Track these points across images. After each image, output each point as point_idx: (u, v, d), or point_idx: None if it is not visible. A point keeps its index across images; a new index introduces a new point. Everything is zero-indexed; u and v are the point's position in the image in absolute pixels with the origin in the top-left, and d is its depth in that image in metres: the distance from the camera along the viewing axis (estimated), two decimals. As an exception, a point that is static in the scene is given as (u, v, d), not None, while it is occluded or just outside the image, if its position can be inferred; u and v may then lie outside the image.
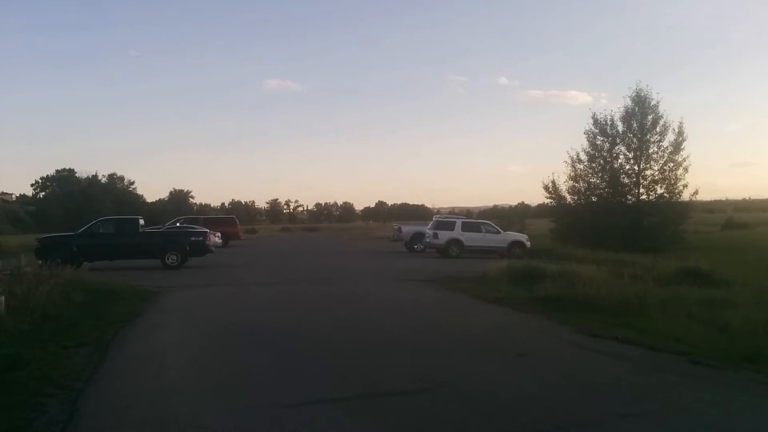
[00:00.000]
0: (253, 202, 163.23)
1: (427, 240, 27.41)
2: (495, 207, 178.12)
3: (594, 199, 31.76)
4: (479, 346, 7.52)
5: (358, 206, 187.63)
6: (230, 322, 9.09)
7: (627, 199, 31.10)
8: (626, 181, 31.30)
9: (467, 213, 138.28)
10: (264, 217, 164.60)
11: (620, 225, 29.22)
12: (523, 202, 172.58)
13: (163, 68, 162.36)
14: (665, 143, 30.58)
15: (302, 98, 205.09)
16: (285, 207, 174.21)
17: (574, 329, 8.77)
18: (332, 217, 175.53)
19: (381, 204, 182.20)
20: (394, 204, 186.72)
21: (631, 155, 31.14)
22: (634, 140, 30.96)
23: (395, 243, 33.25)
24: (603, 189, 31.56)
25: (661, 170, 30.59)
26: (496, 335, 8.28)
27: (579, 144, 36.33)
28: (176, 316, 9.80)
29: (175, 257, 19.09)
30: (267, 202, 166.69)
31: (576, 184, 32.14)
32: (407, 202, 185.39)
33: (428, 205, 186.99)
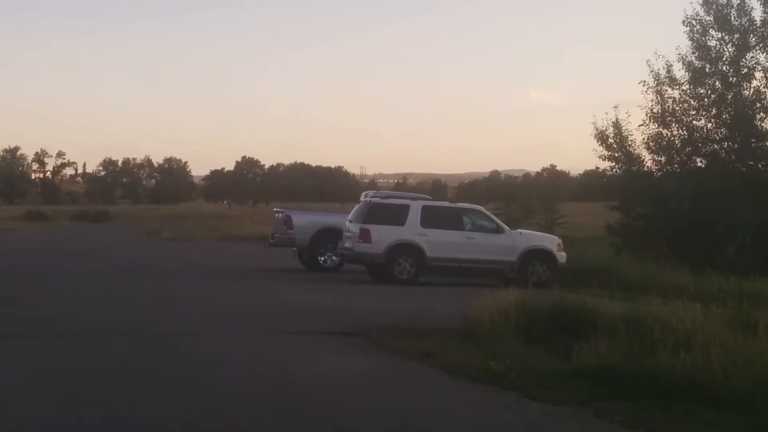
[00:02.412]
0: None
1: (347, 245, 27.36)
2: (495, 175, 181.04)
3: (701, 163, 32.59)
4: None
5: (199, 168, 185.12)
6: None
7: (768, 164, 32.06)
8: (768, 126, 32.24)
9: (435, 187, 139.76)
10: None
11: (754, 220, 30.00)
12: (554, 167, 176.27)
13: None
14: None
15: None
16: (35, 166, 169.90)
17: (655, 442, 8.87)
18: (141, 191, 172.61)
19: (248, 163, 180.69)
20: (278, 165, 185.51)
21: (779, 73, 32.06)
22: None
23: (278, 250, 33.09)
24: (719, 142, 32.41)
25: None
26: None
27: (672, 46, 36.78)
28: None
29: None
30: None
31: (664, 131, 32.91)
32: (307, 162, 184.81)
33: (352, 170, 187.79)
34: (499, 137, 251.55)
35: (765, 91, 32.10)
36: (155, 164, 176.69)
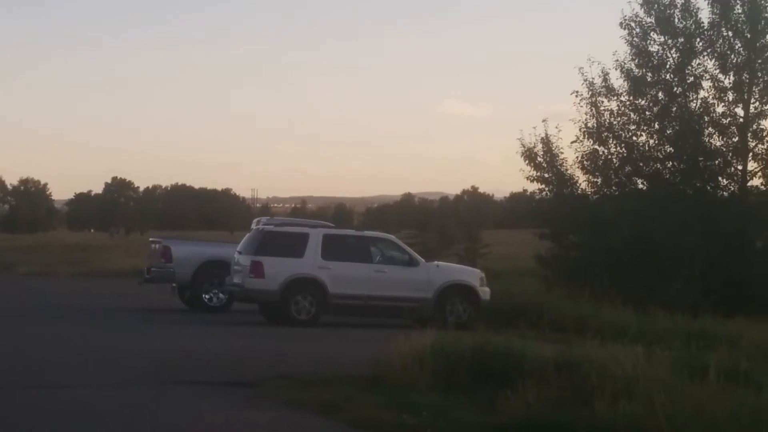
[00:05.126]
0: None
1: (237, 281, 27.17)
2: (408, 199, 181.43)
3: (642, 184, 32.96)
4: None
5: (62, 191, 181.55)
6: None
7: (719, 186, 32.50)
8: (718, 143, 32.71)
9: (338, 213, 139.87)
10: None
11: (703, 249, 30.29)
12: (475, 189, 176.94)
13: None
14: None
15: None
16: None
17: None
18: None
19: (120, 185, 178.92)
20: (155, 188, 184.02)
21: (728, 82, 32.55)
22: (738, 46, 32.35)
23: (155, 286, 32.82)
24: (663, 161, 32.84)
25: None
26: None
27: (608, 51, 37.20)
28: None
29: None
30: None
31: (600, 148, 33.27)
32: (189, 183, 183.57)
33: (242, 193, 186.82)
34: (412, 156, 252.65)
35: (714, 103, 32.45)
36: (9, 186, 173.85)
